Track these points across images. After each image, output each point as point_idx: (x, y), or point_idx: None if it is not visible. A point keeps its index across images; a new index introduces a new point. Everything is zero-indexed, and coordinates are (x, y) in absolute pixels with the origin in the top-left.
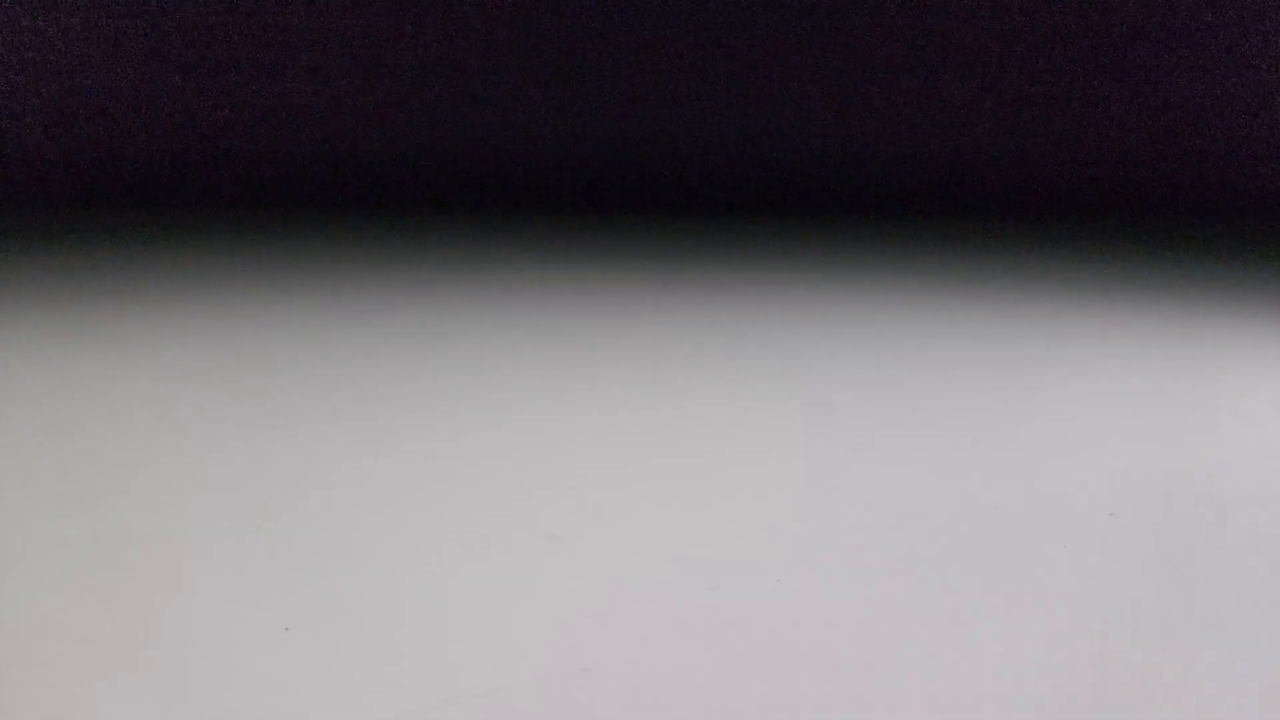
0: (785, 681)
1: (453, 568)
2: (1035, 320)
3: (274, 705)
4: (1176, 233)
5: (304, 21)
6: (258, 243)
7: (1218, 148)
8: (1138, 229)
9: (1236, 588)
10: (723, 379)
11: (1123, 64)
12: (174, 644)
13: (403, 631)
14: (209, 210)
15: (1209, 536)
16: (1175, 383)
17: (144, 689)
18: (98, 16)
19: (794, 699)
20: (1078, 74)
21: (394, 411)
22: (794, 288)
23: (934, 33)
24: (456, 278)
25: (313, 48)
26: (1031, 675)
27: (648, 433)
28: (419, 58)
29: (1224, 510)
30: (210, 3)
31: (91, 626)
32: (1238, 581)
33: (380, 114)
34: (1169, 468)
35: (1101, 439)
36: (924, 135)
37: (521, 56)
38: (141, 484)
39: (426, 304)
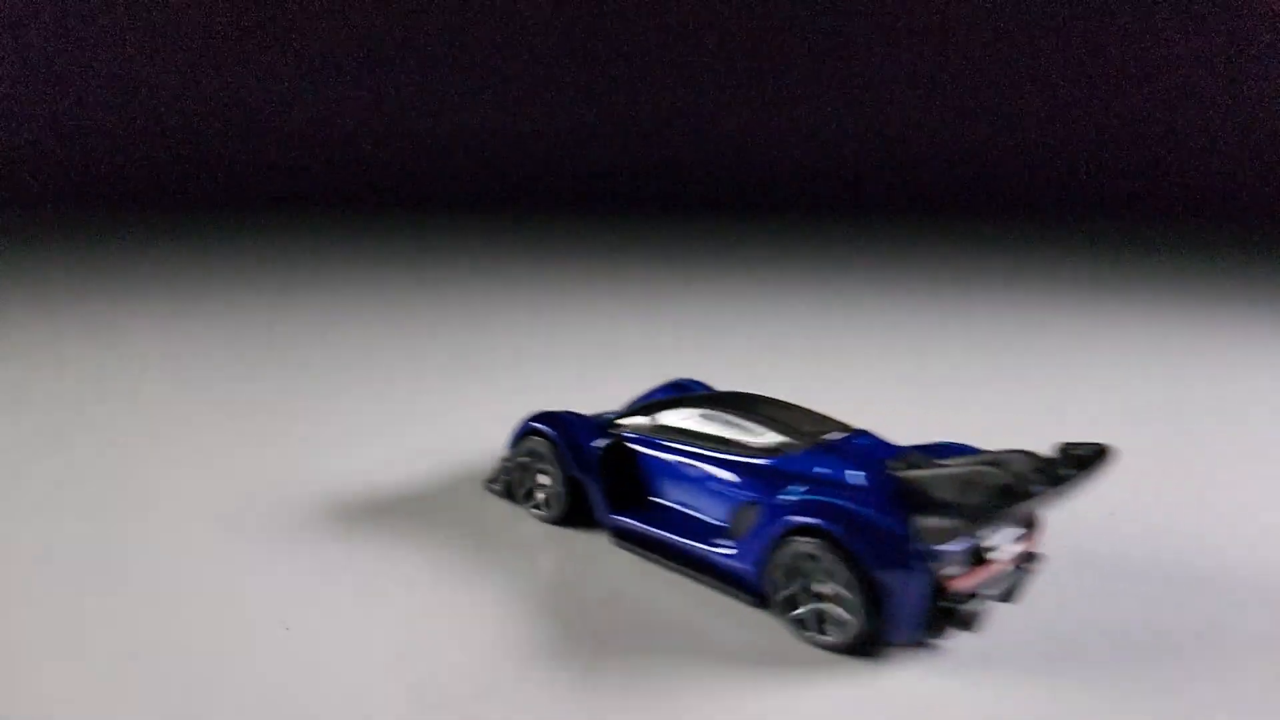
0: (784, 681)
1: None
2: (1034, 320)
3: (274, 705)
4: (1176, 233)
5: (302, 23)
6: (258, 241)
7: (1219, 148)
8: (1138, 229)
9: (1234, 588)
10: (721, 377)
11: (1124, 65)
12: (174, 643)
13: (402, 630)
14: (208, 210)
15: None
16: (1174, 382)
17: (144, 688)
18: (97, 20)
19: (793, 697)
20: (1079, 75)
21: (390, 405)
22: (795, 287)
23: (934, 34)
24: (457, 277)
25: (311, 49)
26: (1030, 672)
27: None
28: (418, 59)
29: None
30: (212, 5)
31: (91, 626)
32: (1236, 582)
33: (378, 114)
34: (1167, 467)
35: (1100, 438)
36: (924, 135)
37: (522, 57)
38: (140, 483)
39: (426, 303)
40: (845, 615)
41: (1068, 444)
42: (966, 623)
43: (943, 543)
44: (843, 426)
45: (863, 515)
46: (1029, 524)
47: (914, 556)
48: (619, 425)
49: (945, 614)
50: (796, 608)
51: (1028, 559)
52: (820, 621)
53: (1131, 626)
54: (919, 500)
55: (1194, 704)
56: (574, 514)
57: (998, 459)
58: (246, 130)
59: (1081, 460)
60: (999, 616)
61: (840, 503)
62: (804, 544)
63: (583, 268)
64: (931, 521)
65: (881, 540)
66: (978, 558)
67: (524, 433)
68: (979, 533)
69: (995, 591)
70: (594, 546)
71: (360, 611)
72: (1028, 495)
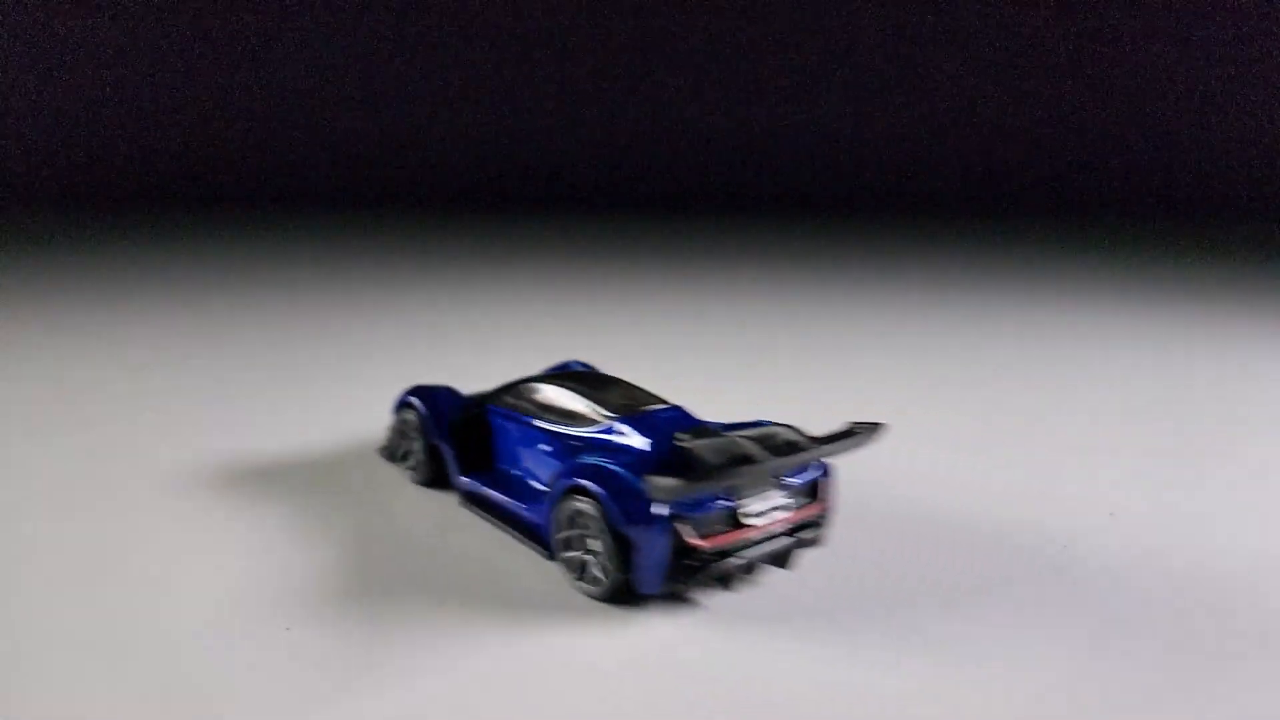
0: (786, 682)
1: (455, 566)
2: (1035, 320)
3: (274, 705)
4: (1177, 233)
5: (302, 23)
6: (256, 243)
7: (1218, 147)
8: (1137, 229)
9: (1234, 588)
10: (724, 379)
11: (1122, 63)
12: (175, 643)
13: (403, 631)
14: (207, 210)
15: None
16: (1177, 383)
17: (144, 688)
18: (97, 20)
19: (794, 699)
20: (1077, 75)
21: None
22: (795, 288)
23: (933, 32)
24: (458, 276)
25: (310, 50)
26: (1031, 672)
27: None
28: (419, 57)
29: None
30: (215, 5)
31: (91, 626)
32: (1235, 582)
33: (378, 114)
34: (1169, 468)
35: (1101, 438)
36: (923, 136)
37: (522, 59)
38: (141, 484)
39: (426, 302)
40: (599, 570)
41: (854, 423)
42: (722, 580)
43: (670, 500)
44: (662, 403)
45: (621, 477)
46: (812, 495)
47: (657, 516)
48: (485, 399)
49: (691, 570)
50: (570, 550)
51: (805, 528)
52: (583, 570)
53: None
54: (687, 466)
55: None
56: (440, 477)
57: (765, 434)
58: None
59: (832, 436)
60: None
61: (608, 466)
62: (578, 501)
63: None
64: (658, 480)
65: (630, 499)
66: (733, 521)
67: (401, 404)
68: (722, 494)
69: (760, 555)
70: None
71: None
72: (751, 462)
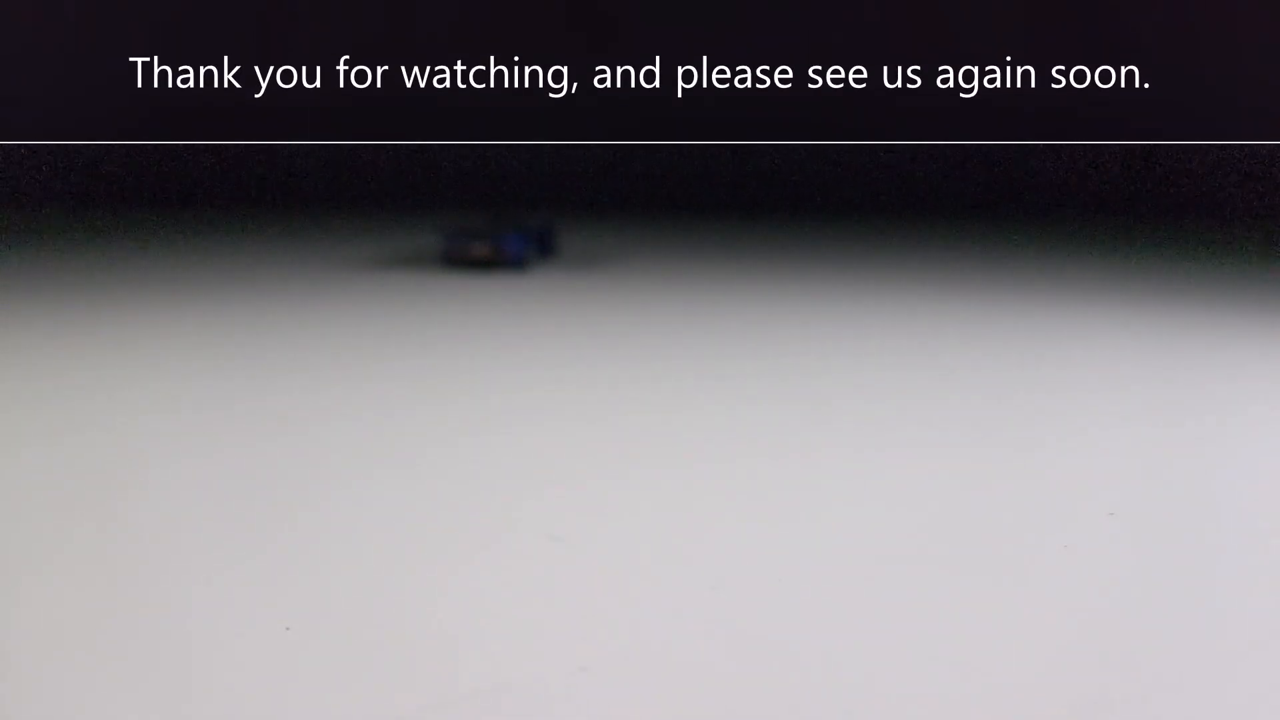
0: (786, 682)
1: (454, 567)
2: (1035, 321)
3: (274, 705)
4: (1175, 233)
5: (302, 19)
6: (256, 242)
7: (1220, 146)
8: (1137, 229)
9: (1234, 589)
10: (726, 381)
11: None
12: (173, 644)
13: (403, 632)
14: (207, 210)
15: (1208, 538)
16: (1177, 383)
17: (143, 689)
18: (94, 15)
19: (794, 699)
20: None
21: (394, 411)
22: (796, 288)
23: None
24: (457, 274)
25: (310, 44)
26: (1031, 675)
27: (650, 433)
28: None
29: None
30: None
31: (91, 626)
32: (1235, 583)
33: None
34: (1169, 469)
35: (1103, 440)
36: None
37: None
38: (142, 484)
39: (426, 301)
40: None
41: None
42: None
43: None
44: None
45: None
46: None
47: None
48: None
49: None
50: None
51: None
52: None
53: None
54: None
55: None
56: None
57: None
58: None
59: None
60: None
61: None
62: None
63: None
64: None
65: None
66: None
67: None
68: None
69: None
70: None
71: None
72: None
